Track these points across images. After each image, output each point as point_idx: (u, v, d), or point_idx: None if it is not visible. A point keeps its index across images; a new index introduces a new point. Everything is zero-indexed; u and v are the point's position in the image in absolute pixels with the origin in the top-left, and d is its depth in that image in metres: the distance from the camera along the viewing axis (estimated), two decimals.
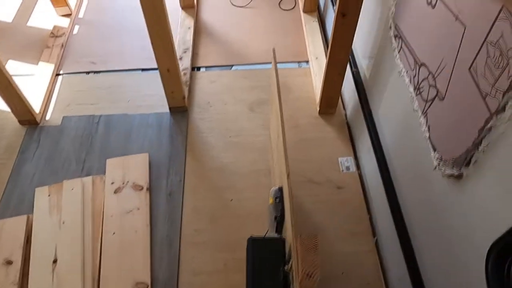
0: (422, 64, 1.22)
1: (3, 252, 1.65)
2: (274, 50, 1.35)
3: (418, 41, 1.25)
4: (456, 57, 1.00)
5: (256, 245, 0.99)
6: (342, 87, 2.07)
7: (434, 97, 1.15)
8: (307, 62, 2.43)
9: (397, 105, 1.51)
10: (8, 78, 1.88)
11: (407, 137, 1.42)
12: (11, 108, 2.04)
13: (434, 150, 1.16)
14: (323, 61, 2.30)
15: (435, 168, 1.16)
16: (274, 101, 1.38)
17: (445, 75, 1.07)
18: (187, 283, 1.64)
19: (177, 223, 1.79)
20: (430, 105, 1.18)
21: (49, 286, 1.55)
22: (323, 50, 2.41)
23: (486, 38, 0.86)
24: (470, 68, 0.94)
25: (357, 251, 1.72)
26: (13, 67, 2.37)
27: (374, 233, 1.78)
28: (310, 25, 2.57)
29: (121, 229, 1.74)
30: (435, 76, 1.13)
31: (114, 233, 1.72)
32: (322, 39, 2.48)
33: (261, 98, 2.26)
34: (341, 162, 1.98)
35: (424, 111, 1.22)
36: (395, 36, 1.42)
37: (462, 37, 0.97)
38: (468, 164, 0.99)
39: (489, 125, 0.87)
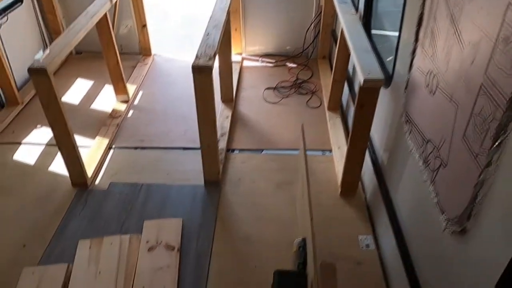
0: (429, 141, 1.44)
1: None
2: (302, 126, 1.62)
3: (424, 122, 1.50)
4: (453, 130, 1.23)
5: (281, 278, 1.11)
6: (362, 172, 2.29)
7: (439, 166, 1.35)
8: (330, 151, 2.70)
9: (410, 182, 1.70)
10: (74, 145, 2.21)
11: (420, 209, 1.58)
12: (69, 171, 2.33)
13: (442, 213, 1.32)
14: (345, 150, 2.55)
15: (444, 229, 1.30)
16: (300, 165, 1.61)
17: (446, 146, 1.29)
18: None
19: (202, 284, 1.89)
20: (436, 174, 1.37)
21: None
22: (345, 141, 2.69)
23: (472, 111, 1.10)
24: (463, 137, 1.16)
25: None
26: None
27: None
28: (333, 121, 2.90)
29: (151, 284, 1.85)
30: (439, 148, 1.35)
31: (143, 287, 1.83)
32: (344, 132, 2.79)
33: (287, 179, 2.48)
34: (360, 240, 2.09)
35: (432, 180, 1.41)
36: (406, 121, 1.69)
37: (456, 114, 1.21)
38: (469, 218, 1.14)
39: (481, 178, 1.05)
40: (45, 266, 1.91)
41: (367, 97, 1.90)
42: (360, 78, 1.86)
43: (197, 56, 1.98)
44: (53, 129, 2.12)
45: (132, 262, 1.95)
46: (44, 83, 1.91)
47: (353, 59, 2.06)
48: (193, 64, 1.92)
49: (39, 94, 1.97)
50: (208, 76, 1.94)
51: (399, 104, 1.81)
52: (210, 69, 1.92)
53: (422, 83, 1.50)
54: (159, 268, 1.92)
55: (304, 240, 1.33)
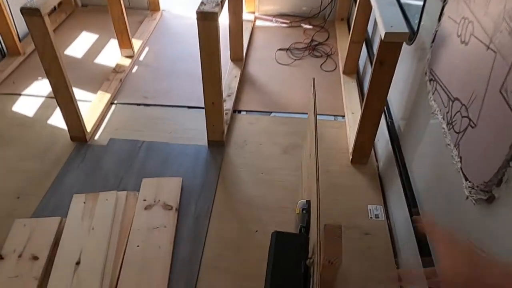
0: (456, 99, 1.28)
1: (32, 248, 1.71)
2: (314, 79, 1.46)
3: (451, 78, 1.33)
4: (488, 83, 1.07)
5: (279, 239, 0.99)
6: (376, 140, 2.13)
7: (466, 127, 1.19)
8: (343, 116, 2.53)
9: (429, 147, 1.54)
10: (71, 95, 2.10)
11: (439, 177, 1.43)
12: (67, 123, 2.23)
13: (466, 179, 1.17)
14: (359, 115, 2.39)
15: (467, 198, 1.16)
16: (310, 121, 1.46)
17: (477, 103, 1.13)
18: None
19: (200, 246, 1.80)
20: (462, 136, 1.22)
21: (68, 285, 1.56)
22: (359, 107, 2.51)
23: None
24: (501, 89, 1.00)
25: None
26: (75, 93, 2.62)
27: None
28: (348, 85, 2.72)
29: (146, 243, 1.77)
30: (468, 106, 1.19)
31: (138, 246, 1.75)
32: (359, 98, 2.61)
33: (295, 142, 2.34)
34: (370, 210, 1.97)
35: (456, 143, 1.25)
36: (430, 80, 1.51)
37: (493, 63, 1.04)
38: (499, 183, 0.99)
39: None
40: (37, 219, 1.84)
41: (388, 53, 1.72)
42: (381, 32, 1.67)
43: (202, 2, 1.81)
44: (48, 76, 2.00)
45: (127, 219, 1.86)
46: (37, 24, 1.77)
47: (375, 12, 1.86)
48: (197, 9, 1.76)
49: (33, 36, 1.84)
50: (214, 23, 1.78)
51: (422, 62, 1.63)
52: (216, 15, 1.75)
53: (453, 33, 1.32)
54: (155, 227, 1.83)
55: (308, 202, 1.20)
